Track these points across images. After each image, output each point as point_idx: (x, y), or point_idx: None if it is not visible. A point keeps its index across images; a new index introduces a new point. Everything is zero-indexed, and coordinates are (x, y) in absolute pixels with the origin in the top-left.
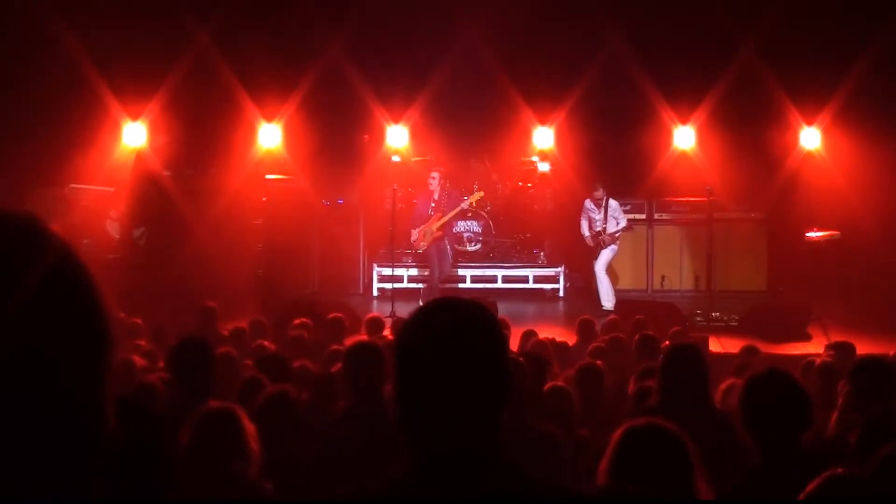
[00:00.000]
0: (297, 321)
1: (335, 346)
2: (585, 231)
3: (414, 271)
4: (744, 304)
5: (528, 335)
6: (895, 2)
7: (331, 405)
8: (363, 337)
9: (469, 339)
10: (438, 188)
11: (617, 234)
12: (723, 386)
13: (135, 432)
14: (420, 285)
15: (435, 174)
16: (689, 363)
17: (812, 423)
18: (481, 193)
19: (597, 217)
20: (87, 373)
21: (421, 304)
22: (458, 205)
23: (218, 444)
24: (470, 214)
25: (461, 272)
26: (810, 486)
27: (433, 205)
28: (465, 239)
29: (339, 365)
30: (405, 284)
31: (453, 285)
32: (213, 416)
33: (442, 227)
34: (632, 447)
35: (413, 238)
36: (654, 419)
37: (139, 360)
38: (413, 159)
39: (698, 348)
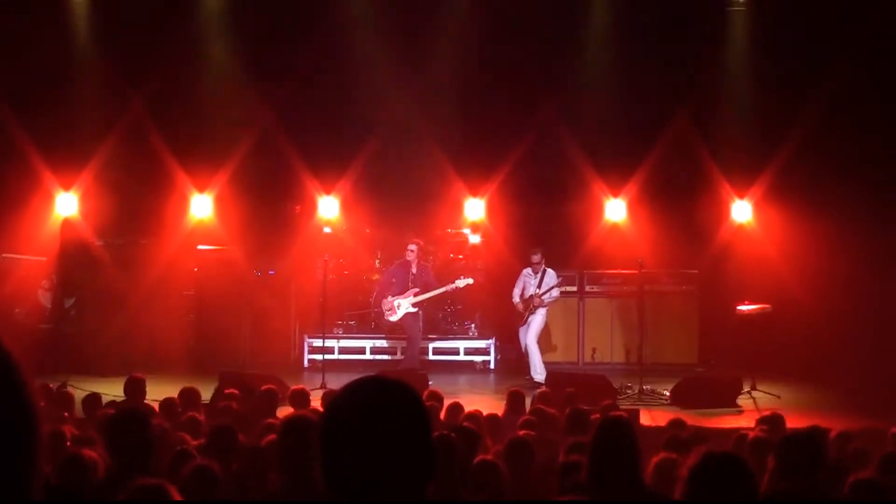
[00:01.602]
0: (225, 391)
1: (269, 420)
2: (516, 298)
3: (346, 342)
4: (675, 376)
5: (457, 408)
6: (824, 78)
7: (259, 479)
8: (291, 410)
9: (394, 417)
10: (416, 260)
11: (547, 300)
12: (655, 460)
13: None
14: (352, 356)
15: (413, 246)
16: (620, 438)
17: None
18: (470, 280)
19: (532, 282)
20: (12, 454)
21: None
22: (429, 280)
23: None
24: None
25: (391, 344)
26: None
27: (412, 277)
28: (394, 310)
29: (270, 437)
30: (336, 356)
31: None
32: (144, 492)
33: (419, 304)
34: None
35: (387, 307)
36: (576, 497)
37: (69, 430)
38: (341, 229)
39: (629, 422)
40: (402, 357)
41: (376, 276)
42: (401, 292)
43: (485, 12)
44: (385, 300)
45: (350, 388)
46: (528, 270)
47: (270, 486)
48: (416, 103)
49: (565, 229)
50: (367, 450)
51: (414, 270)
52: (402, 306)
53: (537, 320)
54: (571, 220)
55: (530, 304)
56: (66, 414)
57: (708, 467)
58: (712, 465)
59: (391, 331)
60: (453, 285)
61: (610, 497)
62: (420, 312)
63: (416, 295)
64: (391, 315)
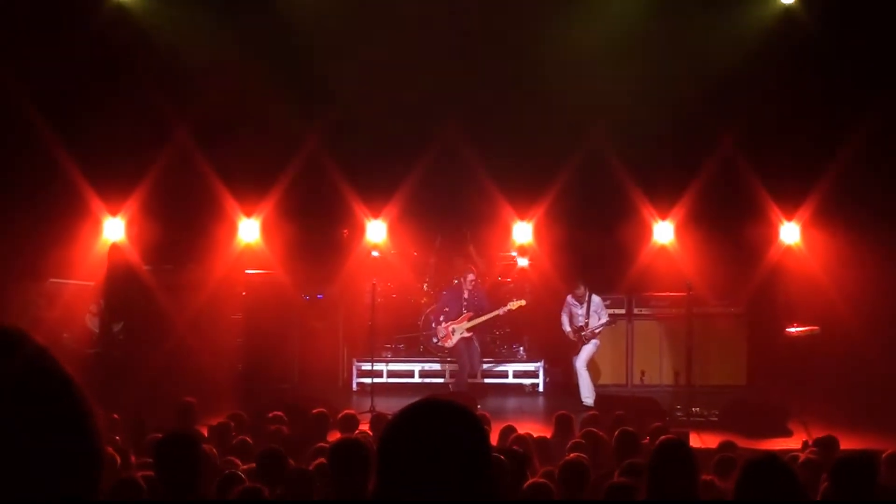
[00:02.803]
0: (271, 415)
1: (320, 444)
2: (566, 326)
3: (394, 366)
4: (723, 398)
5: (508, 430)
6: (873, 97)
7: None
8: (339, 434)
9: (452, 440)
10: (471, 286)
11: (598, 330)
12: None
13: None
14: (400, 380)
15: (473, 277)
16: (678, 460)
17: None
18: (523, 301)
19: (579, 312)
20: (77, 478)
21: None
22: (482, 304)
23: None
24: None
25: (441, 367)
26: None
27: (465, 302)
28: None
29: (319, 461)
30: (384, 379)
31: (476, 380)
32: None
33: (473, 328)
34: None
35: (440, 333)
36: None
37: (117, 457)
38: (391, 251)
39: (686, 445)
40: (452, 381)
41: (424, 300)
42: (454, 317)
43: (529, 35)
44: (440, 326)
45: (407, 411)
46: (573, 299)
47: None
48: (463, 126)
49: (613, 252)
50: (425, 473)
51: (466, 295)
52: (456, 332)
53: (589, 347)
54: (619, 243)
55: (581, 336)
56: (116, 438)
57: (751, 471)
58: (754, 468)
59: (440, 353)
60: (506, 308)
61: None
62: (474, 337)
63: (469, 319)
64: (446, 341)
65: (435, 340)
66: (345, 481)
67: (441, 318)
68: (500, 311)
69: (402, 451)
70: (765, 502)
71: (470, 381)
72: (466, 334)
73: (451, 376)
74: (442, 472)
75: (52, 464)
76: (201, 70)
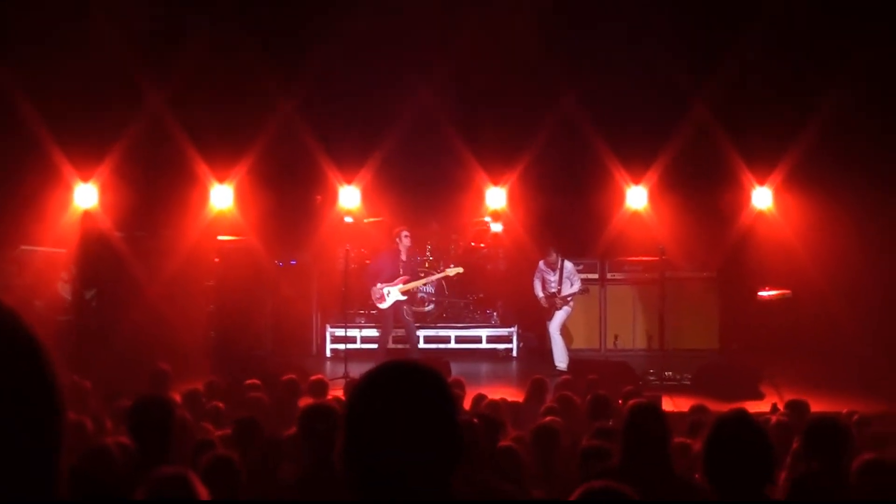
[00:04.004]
0: (248, 382)
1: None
2: (539, 292)
3: (368, 332)
4: (696, 362)
5: (479, 398)
6: (845, 65)
7: (275, 468)
8: (310, 400)
9: (419, 402)
10: (406, 249)
11: (570, 297)
12: (674, 443)
13: (83, 500)
14: (374, 346)
15: (407, 233)
16: (651, 423)
17: (774, 477)
18: (460, 269)
19: (551, 278)
20: (38, 440)
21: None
22: (418, 268)
23: None
24: (423, 274)
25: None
26: None
27: (402, 264)
28: (418, 299)
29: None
30: (358, 345)
31: (401, 345)
32: (166, 481)
33: (407, 291)
34: None
35: (375, 295)
36: (612, 482)
37: (90, 423)
38: (365, 220)
39: (659, 408)
40: (409, 347)
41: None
42: (390, 280)
43: (507, 1)
44: (374, 288)
45: (373, 373)
46: (545, 265)
47: (283, 474)
48: (437, 92)
49: (587, 217)
50: (393, 434)
51: (403, 258)
52: (391, 294)
53: (561, 312)
54: (593, 208)
55: (554, 302)
56: (90, 404)
57: (721, 428)
58: (724, 424)
59: (377, 320)
60: (444, 273)
61: (640, 483)
62: (407, 308)
63: (405, 283)
64: (380, 303)
65: (375, 301)
66: (314, 446)
67: (377, 282)
68: (438, 276)
69: (367, 412)
70: (734, 458)
71: (395, 346)
72: (401, 297)
73: (406, 342)
74: (407, 434)
75: (15, 424)
76: (175, 33)
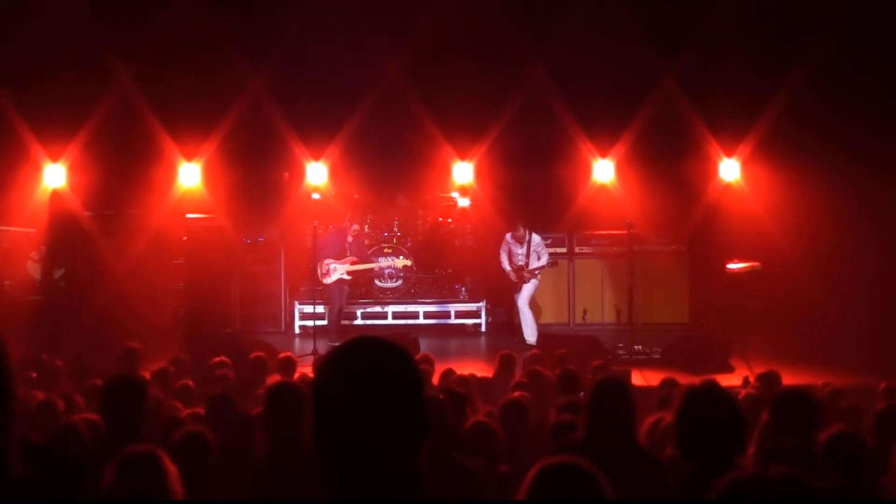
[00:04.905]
0: (215, 360)
1: (262, 391)
2: (506, 265)
3: None
4: (666, 336)
5: (448, 374)
6: (813, 35)
7: (247, 446)
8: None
9: (384, 378)
10: (354, 234)
11: (538, 271)
12: (649, 420)
13: (48, 476)
14: (343, 322)
15: (357, 228)
16: (616, 399)
17: (745, 448)
18: (409, 262)
19: (519, 251)
20: None
21: (331, 342)
22: (362, 255)
23: (140, 487)
24: (389, 250)
25: (383, 309)
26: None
27: (348, 245)
28: (386, 275)
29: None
30: (326, 321)
31: (349, 322)
32: (135, 459)
33: (353, 272)
34: (545, 485)
35: (322, 270)
36: (570, 458)
37: (60, 402)
38: (331, 193)
39: (625, 384)
40: (325, 323)
41: (366, 241)
42: (338, 257)
43: None
44: (322, 262)
45: (339, 350)
46: (512, 238)
47: (257, 449)
48: (403, 67)
49: (554, 191)
50: (358, 410)
51: (350, 239)
52: (337, 271)
53: (529, 286)
54: (560, 182)
55: (522, 275)
56: (60, 383)
57: (691, 399)
58: (695, 395)
59: (322, 295)
60: (389, 262)
61: (603, 459)
62: (346, 286)
63: (353, 263)
64: (325, 278)
65: (320, 275)
66: (280, 424)
67: (325, 256)
68: (381, 265)
69: (334, 388)
70: (706, 428)
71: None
72: (346, 276)
73: (363, 318)
74: (372, 409)
75: None
76: (143, 8)
